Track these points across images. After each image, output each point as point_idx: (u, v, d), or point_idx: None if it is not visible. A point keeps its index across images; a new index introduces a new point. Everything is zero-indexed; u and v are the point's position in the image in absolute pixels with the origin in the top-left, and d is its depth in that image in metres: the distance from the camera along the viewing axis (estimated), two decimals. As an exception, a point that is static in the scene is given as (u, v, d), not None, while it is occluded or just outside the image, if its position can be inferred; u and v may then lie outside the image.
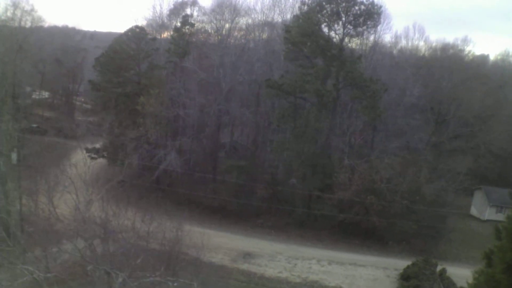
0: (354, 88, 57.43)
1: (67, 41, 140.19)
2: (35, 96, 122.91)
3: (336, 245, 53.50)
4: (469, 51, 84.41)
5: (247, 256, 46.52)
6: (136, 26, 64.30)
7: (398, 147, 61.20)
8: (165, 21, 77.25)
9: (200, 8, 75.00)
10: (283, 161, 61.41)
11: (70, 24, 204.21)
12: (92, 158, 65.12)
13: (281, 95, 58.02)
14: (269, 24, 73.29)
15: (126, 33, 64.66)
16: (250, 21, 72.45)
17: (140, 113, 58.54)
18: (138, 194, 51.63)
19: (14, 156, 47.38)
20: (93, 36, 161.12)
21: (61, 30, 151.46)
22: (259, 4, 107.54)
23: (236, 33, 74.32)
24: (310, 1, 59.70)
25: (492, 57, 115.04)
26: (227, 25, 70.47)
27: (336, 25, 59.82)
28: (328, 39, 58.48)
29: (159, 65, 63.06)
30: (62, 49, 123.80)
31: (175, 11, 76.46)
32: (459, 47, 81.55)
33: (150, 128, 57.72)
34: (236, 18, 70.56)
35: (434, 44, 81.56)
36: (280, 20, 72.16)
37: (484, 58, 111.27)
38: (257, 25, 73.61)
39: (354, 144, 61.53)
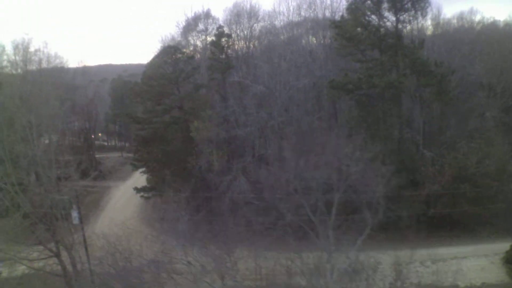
0: (421, 76, 52.89)
1: (61, 80, 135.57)
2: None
3: (429, 241, 48.56)
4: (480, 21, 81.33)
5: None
6: (169, 46, 59.28)
7: (473, 128, 56.89)
8: (181, 39, 73.07)
9: (214, 19, 71.18)
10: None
11: (59, 64, 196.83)
12: (145, 198, 59.92)
13: (346, 95, 53.23)
14: (299, 25, 68.44)
15: (158, 55, 59.44)
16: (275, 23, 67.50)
17: (194, 140, 53.43)
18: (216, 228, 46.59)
19: (75, 214, 41.80)
20: (84, 72, 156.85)
21: (52, 70, 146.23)
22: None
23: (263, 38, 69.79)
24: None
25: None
26: (245, 32, 66.50)
27: (387, 13, 54.97)
28: (385, 28, 53.81)
29: (203, 83, 57.54)
30: (60, 89, 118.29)
31: (190, 27, 72.16)
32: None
33: (211, 154, 52.46)
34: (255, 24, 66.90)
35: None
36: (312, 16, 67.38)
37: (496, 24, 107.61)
38: (285, 27, 68.99)
39: (428, 133, 57.10)
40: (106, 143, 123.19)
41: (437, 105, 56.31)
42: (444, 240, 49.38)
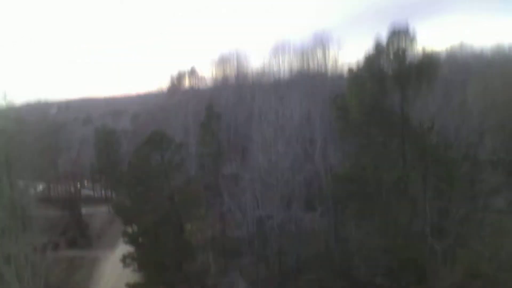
0: (430, 164, 48.80)
1: (44, 117, 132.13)
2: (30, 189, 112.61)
3: None
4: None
5: None
6: (155, 133, 54.19)
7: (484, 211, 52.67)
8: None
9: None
10: (363, 259, 52.13)
11: (42, 97, 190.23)
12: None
13: (351, 190, 48.98)
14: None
15: (146, 143, 54.38)
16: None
17: (189, 243, 49.21)
18: None
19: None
20: (68, 106, 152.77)
21: (34, 107, 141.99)
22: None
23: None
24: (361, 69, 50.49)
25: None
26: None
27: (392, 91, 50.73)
28: (390, 107, 49.64)
29: (194, 177, 52.94)
30: (42, 127, 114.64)
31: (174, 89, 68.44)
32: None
33: (207, 259, 48.30)
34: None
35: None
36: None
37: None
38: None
39: (436, 221, 52.98)
40: (92, 193, 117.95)
41: (445, 190, 51.98)
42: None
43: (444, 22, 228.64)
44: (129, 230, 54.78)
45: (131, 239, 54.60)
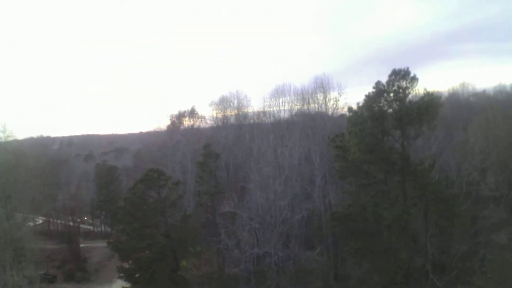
0: (430, 201, 47.93)
1: (46, 152, 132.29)
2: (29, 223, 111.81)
3: None
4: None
5: None
6: (151, 170, 53.67)
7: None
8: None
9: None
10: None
11: (45, 133, 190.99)
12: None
13: (350, 228, 48.00)
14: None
15: (142, 180, 53.78)
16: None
17: (185, 280, 48.08)
18: None
19: None
20: (70, 142, 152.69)
21: (37, 141, 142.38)
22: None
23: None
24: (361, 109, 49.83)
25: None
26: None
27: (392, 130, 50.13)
28: (390, 146, 48.97)
29: (191, 214, 52.16)
30: (43, 162, 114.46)
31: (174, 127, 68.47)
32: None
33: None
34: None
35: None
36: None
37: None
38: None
39: (438, 257, 52.01)
40: (92, 228, 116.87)
41: (446, 226, 51.09)
42: None
43: (446, 65, 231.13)
44: (125, 265, 53.78)
45: (127, 275, 53.53)
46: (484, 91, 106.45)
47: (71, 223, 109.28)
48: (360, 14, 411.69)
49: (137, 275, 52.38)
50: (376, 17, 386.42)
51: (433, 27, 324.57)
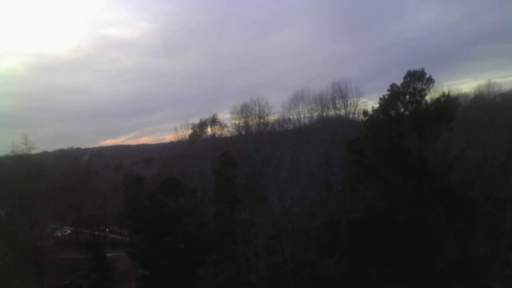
0: (449, 205, 46.82)
1: (75, 163, 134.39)
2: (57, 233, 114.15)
3: None
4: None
5: None
6: (169, 179, 54.10)
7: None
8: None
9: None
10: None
11: (75, 144, 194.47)
12: None
13: (368, 233, 47.24)
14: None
15: (159, 189, 54.28)
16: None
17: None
18: None
19: None
20: (100, 153, 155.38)
21: (66, 153, 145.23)
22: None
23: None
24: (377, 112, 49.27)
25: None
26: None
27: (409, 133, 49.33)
28: (408, 153, 48.14)
29: (209, 222, 52.34)
30: (70, 173, 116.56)
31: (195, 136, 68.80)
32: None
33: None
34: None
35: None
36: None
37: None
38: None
39: (457, 263, 50.61)
40: (120, 237, 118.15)
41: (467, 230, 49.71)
42: None
43: (472, 66, 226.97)
44: (144, 273, 54.25)
45: (144, 283, 53.95)
46: (510, 92, 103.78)
47: (97, 233, 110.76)
48: (381, 18, 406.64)
49: (154, 284, 52.76)
50: (398, 20, 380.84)
51: (458, 28, 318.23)
